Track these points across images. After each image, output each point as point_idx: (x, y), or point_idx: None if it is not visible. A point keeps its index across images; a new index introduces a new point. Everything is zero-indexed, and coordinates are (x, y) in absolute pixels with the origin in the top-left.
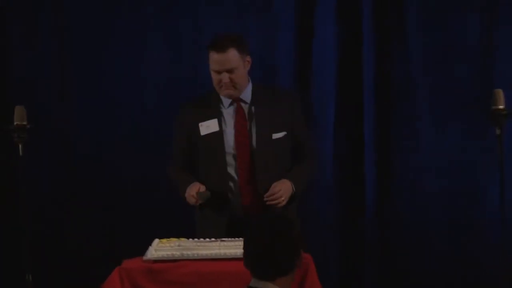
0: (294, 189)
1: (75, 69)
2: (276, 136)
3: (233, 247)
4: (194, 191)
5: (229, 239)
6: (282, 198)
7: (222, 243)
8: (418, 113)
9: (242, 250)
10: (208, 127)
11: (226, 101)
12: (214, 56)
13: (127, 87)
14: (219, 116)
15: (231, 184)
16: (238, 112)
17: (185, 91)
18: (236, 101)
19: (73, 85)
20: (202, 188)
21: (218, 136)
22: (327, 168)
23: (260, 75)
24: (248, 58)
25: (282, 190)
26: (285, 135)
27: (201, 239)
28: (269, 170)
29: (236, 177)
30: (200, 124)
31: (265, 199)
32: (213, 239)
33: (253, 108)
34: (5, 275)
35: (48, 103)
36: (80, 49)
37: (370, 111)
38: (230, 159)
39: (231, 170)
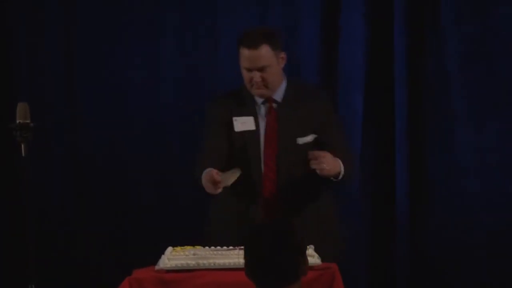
0: (341, 171)
1: (83, 65)
2: (301, 140)
3: None
4: (210, 176)
5: None
6: (324, 165)
7: (241, 252)
8: (454, 110)
9: None
10: (243, 123)
11: (259, 100)
12: (245, 53)
13: (137, 85)
14: (254, 114)
15: (258, 188)
16: (270, 112)
17: (200, 89)
18: (269, 100)
19: (81, 82)
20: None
21: (254, 136)
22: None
23: None
24: (283, 55)
25: (327, 157)
26: (314, 139)
27: (218, 247)
28: (293, 178)
29: (261, 182)
30: (234, 118)
31: (309, 157)
32: (231, 247)
33: (281, 109)
34: (6, 286)
35: (55, 100)
36: (88, 43)
37: (402, 109)
38: (261, 164)
39: (259, 172)
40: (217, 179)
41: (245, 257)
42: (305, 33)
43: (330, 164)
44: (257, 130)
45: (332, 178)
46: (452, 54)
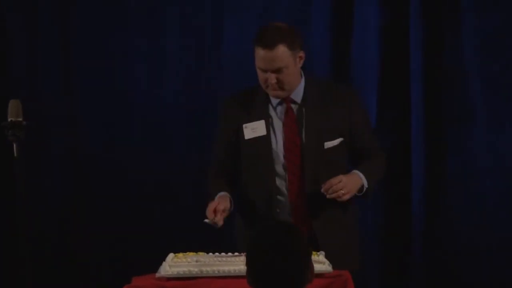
0: (364, 183)
1: (82, 61)
2: (329, 144)
3: None
4: (211, 210)
5: None
6: (343, 191)
7: None
8: (473, 109)
9: None
10: (254, 130)
11: (274, 100)
12: (260, 53)
13: (139, 82)
14: (266, 117)
15: (280, 198)
16: (288, 114)
17: (203, 88)
18: (286, 100)
19: (79, 79)
20: (221, 207)
21: (265, 141)
22: None
23: None
24: (301, 54)
25: (343, 182)
26: (341, 142)
27: (223, 253)
28: (321, 184)
29: (285, 191)
30: (244, 125)
31: (322, 191)
32: (236, 253)
33: (303, 110)
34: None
35: (53, 98)
36: (88, 40)
37: (418, 106)
38: (279, 169)
39: (280, 182)
40: (211, 214)
41: (247, 264)
42: (315, 26)
43: (348, 186)
44: (268, 135)
45: (356, 194)
46: (471, 47)
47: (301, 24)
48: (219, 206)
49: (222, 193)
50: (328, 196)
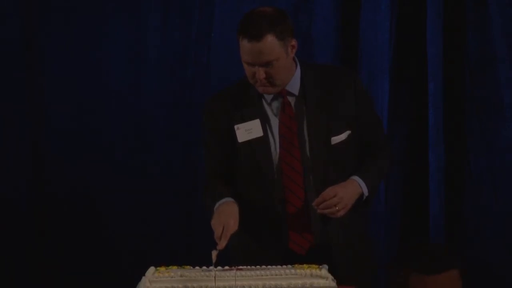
0: (364, 192)
1: (48, 41)
2: (336, 139)
3: (253, 278)
4: (220, 228)
5: (248, 267)
6: (337, 208)
7: (239, 273)
8: (500, 100)
9: (264, 282)
10: (248, 131)
11: (268, 95)
12: (245, 45)
13: (117, 74)
14: (261, 115)
15: (280, 210)
16: (284, 110)
17: (195, 81)
18: (281, 93)
19: (44, 66)
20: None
21: (262, 144)
22: None
23: None
24: (293, 42)
25: (338, 196)
26: (349, 136)
27: (211, 267)
28: (325, 188)
29: (284, 202)
30: (236, 127)
31: (313, 204)
32: (227, 267)
33: (303, 102)
34: None
35: (10, 92)
36: (55, 22)
37: (436, 98)
38: (278, 175)
39: (278, 190)
40: (218, 235)
41: None
42: (319, 7)
43: (344, 201)
44: (265, 135)
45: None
46: (500, 30)
47: (302, 7)
48: (228, 229)
49: (225, 200)
50: (319, 211)
